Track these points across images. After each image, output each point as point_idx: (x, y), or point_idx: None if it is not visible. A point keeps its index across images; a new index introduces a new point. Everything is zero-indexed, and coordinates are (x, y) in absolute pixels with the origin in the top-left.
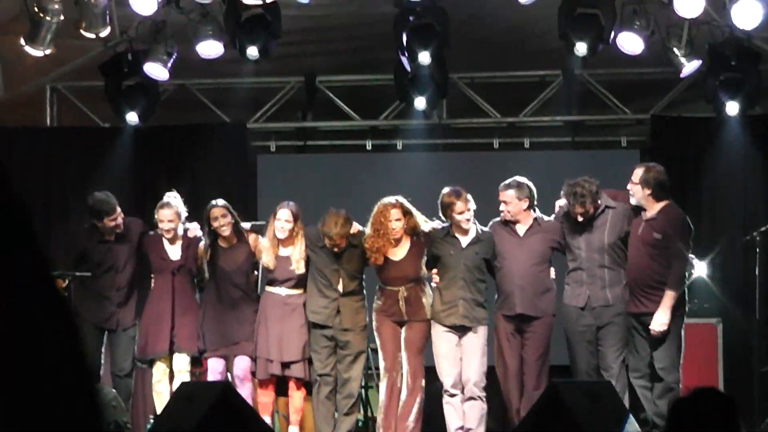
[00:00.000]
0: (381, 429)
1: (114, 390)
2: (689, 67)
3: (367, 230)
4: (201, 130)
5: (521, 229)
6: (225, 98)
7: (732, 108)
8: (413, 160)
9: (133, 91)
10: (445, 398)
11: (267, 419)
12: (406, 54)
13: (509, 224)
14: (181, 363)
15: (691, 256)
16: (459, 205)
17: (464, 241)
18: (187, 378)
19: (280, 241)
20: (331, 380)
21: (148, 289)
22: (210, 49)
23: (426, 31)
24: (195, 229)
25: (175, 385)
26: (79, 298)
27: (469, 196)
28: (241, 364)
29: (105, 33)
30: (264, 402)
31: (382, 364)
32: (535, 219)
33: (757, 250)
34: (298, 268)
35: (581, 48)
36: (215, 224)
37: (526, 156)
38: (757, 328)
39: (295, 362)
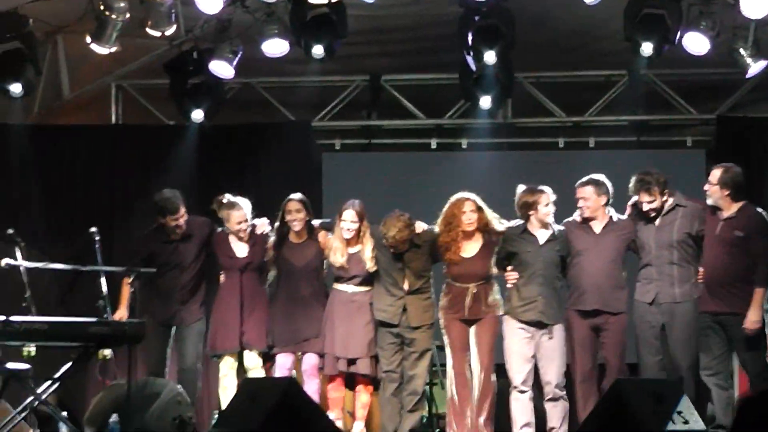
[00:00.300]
0: (449, 427)
1: (179, 385)
2: (755, 67)
3: (437, 227)
4: (266, 129)
5: (597, 226)
6: (290, 97)
7: None
8: (478, 159)
9: (198, 89)
10: (514, 394)
11: (338, 413)
12: (472, 54)
13: (585, 222)
14: (252, 361)
15: None
16: (544, 198)
17: (542, 238)
18: (260, 374)
19: (347, 240)
20: (396, 377)
21: (214, 284)
22: (275, 47)
23: (491, 31)
24: (262, 225)
25: None
26: (145, 297)
27: (548, 189)
28: (309, 360)
29: (170, 31)
30: (334, 397)
31: (449, 362)
32: (611, 217)
33: None
34: (372, 266)
35: (647, 48)
36: (289, 217)
37: (592, 155)
38: None
39: (361, 359)
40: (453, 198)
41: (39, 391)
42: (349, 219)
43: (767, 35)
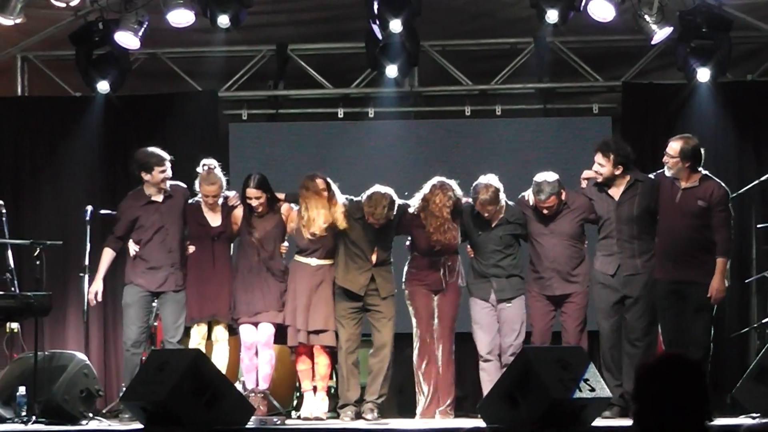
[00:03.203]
0: (419, 395)
1: (86, 358)
2: (660, 34)
3: (414, 203)
4: (172, 99)
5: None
6: (196, 67)
7: (703, 75)
8: (385, 127)
9: (103, 60)
10: (481, 364)
11: (308, 385)
12: (378, 22)
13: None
14: (220, 334)
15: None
16: (481, 195)
17: (493, 220)
18: (225, 347)
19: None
20: (356, 348)
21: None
22: (181, 17)
23: None
24: (234, 198)
25: (215, 354)
26: (132, 267)
27: (489, 182)
28: (265, 330)
29: (75, 2)
30: (302, 369)
31: (415, 331)
32: (564, 202)
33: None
34: (343, 223)
35: (552, 15)
36: (250, 203)
37: (498, 123)
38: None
39: (324, 331)
40: (435, 189)
41: None
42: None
43: (672, 2)
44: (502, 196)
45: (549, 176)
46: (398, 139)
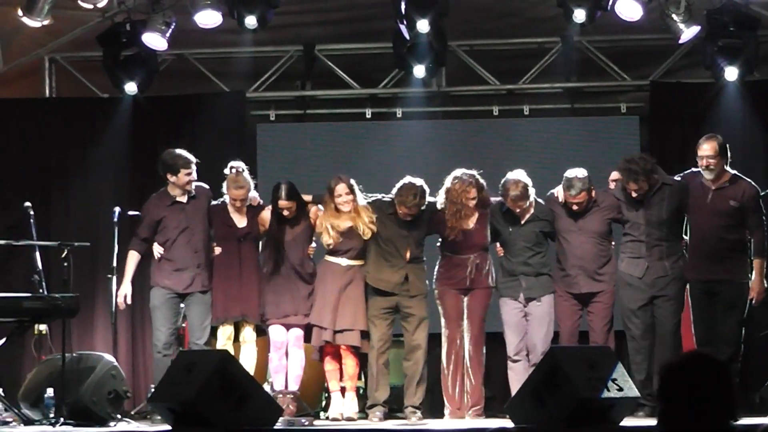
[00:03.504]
0: (445, 397)
1: (114, 360)
2: (688, 33)
3: (440, 200)
4: (200, 100)
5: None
6: (224, 68)
7: (730, 73)
8: (413, 127)
9: (131, 62)
10: (509, 364)
11: (335, 385)
12: (405, 22)
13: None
14: (248, 335)
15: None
16: (511, 189)
17: (523, 216)
18: (253, 348)
19: (341, 214)
20: (387, 348)
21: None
22: (208, 18)
23: None
24: (255, 198)
25: (243, 355)
26: (158, 269)
27: (517, 176)
28: (295, 332)
29: (103, 3)
30: (329, 369)
31: (444, 332)
32: (594, 200)
33: None
34: (369, 234)
35: (580, 15)
36: (282, 212)
37: (526, 123)
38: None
39: (350, 330)
40: (458, 180)
41: None
42: (343, 192)
43: (699, 1)
44: (531, 191)
45: (580, 172)
46: (426, 139)
